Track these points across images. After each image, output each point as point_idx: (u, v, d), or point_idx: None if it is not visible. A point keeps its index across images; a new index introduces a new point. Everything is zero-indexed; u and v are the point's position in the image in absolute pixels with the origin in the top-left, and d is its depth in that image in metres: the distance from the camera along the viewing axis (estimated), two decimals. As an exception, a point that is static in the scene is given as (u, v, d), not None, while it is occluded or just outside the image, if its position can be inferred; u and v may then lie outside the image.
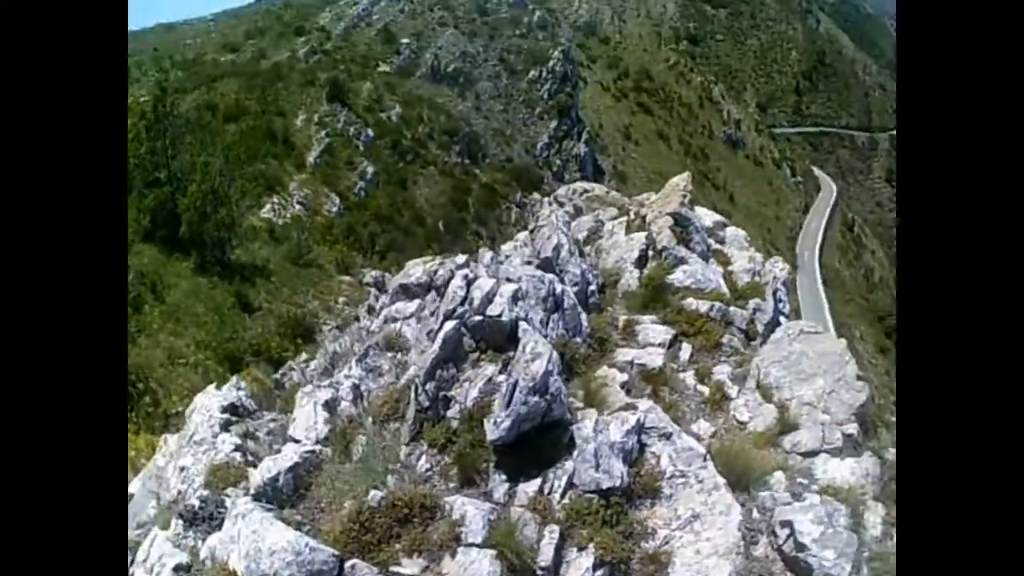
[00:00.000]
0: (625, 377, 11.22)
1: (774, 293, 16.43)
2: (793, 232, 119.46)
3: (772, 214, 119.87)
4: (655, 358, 12.07)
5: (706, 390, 11.79)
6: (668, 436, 9.37)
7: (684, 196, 16.06)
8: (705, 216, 17.81)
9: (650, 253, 15.44)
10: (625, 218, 16.94)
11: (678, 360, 12.68)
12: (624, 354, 12.14)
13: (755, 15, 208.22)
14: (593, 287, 13.82)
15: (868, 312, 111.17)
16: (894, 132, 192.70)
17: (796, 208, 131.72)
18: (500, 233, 55.24)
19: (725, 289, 14.92)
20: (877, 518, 9.14)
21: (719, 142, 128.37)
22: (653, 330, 13.08)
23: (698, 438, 10.06)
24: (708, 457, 9.25)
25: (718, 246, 17.02)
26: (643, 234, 15.61)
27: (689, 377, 12.02)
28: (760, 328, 14.93)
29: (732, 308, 14.32)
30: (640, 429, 9.22)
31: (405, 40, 77.17)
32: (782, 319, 17.00)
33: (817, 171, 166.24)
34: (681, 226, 15.69)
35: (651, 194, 17.83)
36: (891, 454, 10.50)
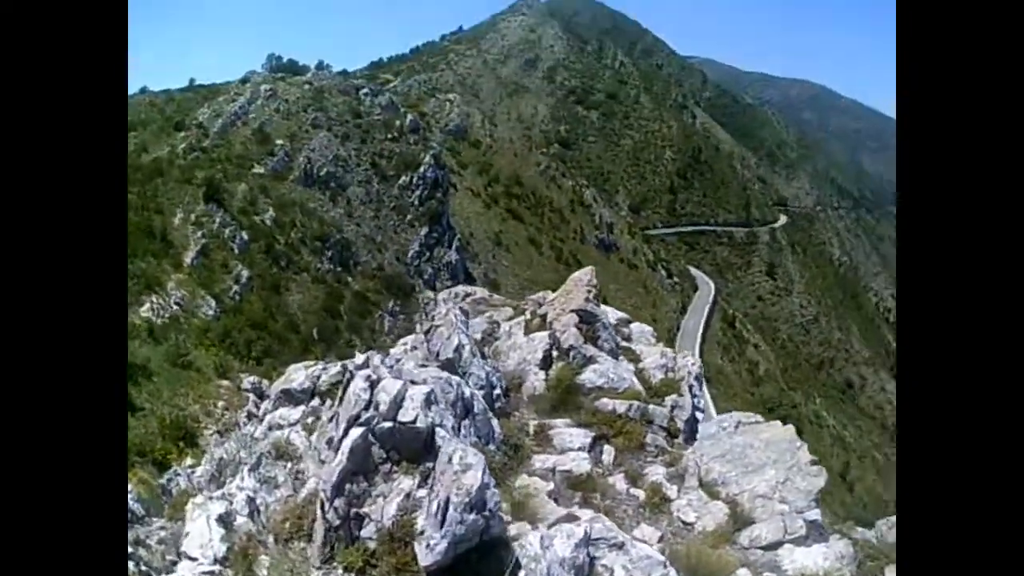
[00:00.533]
0: (550, 485, 10.40)
1: (689, 388, 15.92)
2: (671, 333, 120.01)
3: (648, 316, 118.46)
4: (580, 463, 11.27)
5: (641, 493, 11.06)
6: (620, 546, 8.51)
7: (589, 291, 15.45)
8: (609, 312, 17.28)
9: (555, 353, 14.70)
10: (522, 318, 16.27)
11: (602, 464, 11.94)
12: (542, 460, 11.30)
13: (628, 115, 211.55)
14: (498, 390, 12.98)
15: (755, 405, 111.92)
16: (775, 225, 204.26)
17: (673, 309, 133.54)
18: (374, 342, 54.39)
19: (639, 387, 14.31)
20: None
21: (591, 247, 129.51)
22: (569, 434, 12.30)
23: (645, 543, 9.33)
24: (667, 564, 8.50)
25: (625, 343, 16.46)
26: (545, 333, 14.93)
27: (619, 481, 11.28)
28: (680, 425, 14.32)
29: (650, 406, 13.70)
30: (587, 541, 8.33)
31: (279, 141, 76.31)
32: (699, 415, 16.54)
33: (694, 270, 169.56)
34: (587, 323, 15.04)
35: (547, 292, 17.35)
36: (859, 532, 10.49)
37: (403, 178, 79.38)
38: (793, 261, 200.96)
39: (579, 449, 11.89)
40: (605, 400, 13.31)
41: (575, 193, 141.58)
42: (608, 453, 12.16)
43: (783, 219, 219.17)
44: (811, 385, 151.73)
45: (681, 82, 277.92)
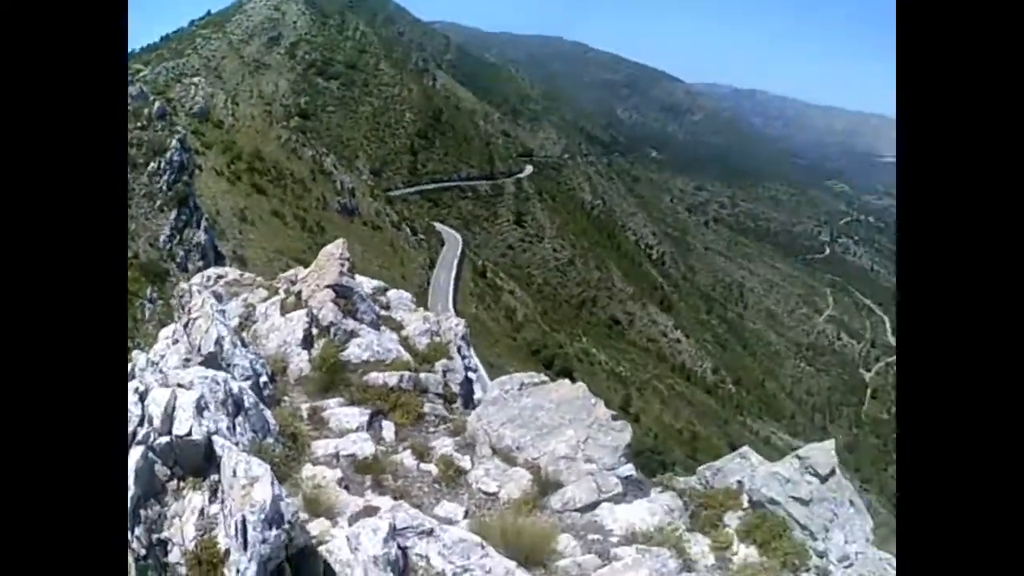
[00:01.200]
0: (338, 473, 9.96)
1: (458, 350, 15.87)
2: (422, 288, 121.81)
3: (398, 275, 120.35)
4: (362, 445, 10.86)
5: (433, 468, 10.79)
6: (429, 532, 8.27)
7: (343, 264, 14.99)
8: (364, 283, 16.85)
9: (315, 331, 14.19)
10: (278, 298, 15.57)
11: (385, 441, 11.61)
12: (323, 446, 10.82)
13: (368, 82, 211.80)
14: (264, 377, 12.36)
15: (519, 349, 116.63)
16: (520, 176, 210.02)
17: (421, 266, 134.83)
18: (137, 331, 51.73)
19: (407, 356, 14.08)
20: (703, 548, 8.98)
21: (334, 213, 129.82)
22: (344, 414, 11.89)
23: (451, 522, 9.15)
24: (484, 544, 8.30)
25: (385, 312, 16.10)
26: (303, 312, 14.43)
27: (407, 458, 10.96)
28: (456, 389, 14.36)
29: (422, 375, 13.56)
30: (394, 532, 7.99)
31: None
32: (471, 375, 16.47)
33: (439, 226, 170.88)
34: (344, 297, 14.60)
35: (299, 268, 16.68)
36: (683, 482, 10.40)
37: (152, 164, 75.81)
38: (542, 209, 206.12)
39: (358, 429, 11.54)
40: (375, 374, 13.00)
41: (315, 162, 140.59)
42: (388, 429, 11.88)
43: (529, 169, 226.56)
44: (575, 325, 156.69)
45: (423, 46, 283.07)
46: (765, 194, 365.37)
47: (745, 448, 10.67)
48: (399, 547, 7.93)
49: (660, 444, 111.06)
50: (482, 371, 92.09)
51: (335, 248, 15.36)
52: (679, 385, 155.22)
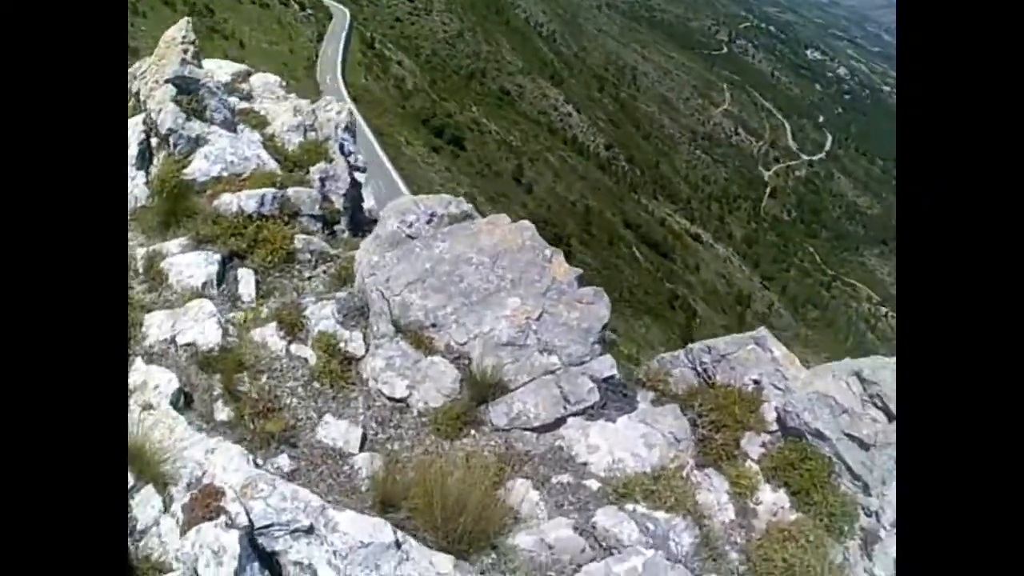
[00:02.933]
0: (174, 380, 6.77)
1: (340, 147, 12.24)
2: (311, 61, 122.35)
3: (286, 49, 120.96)
4: (204, 325, 7.51)
5: (310, 353, 7.58)
6: (309, 530, 5.29)
7: (185, 51, 10.96)
8: (219, 70, 12.93)
9: (153, 143, 10.58)
10: (116, 102, 11.30)
11: (241, 304, 8.41)
12: (159, 325, 7.59)
13: None
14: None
15: (408, 118, 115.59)
16: None
17: (309, 39, 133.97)
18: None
19: (272, 164, 10.63)
20: (720, 494, 6.65)
21: None
22: (188, 263, 8.59)
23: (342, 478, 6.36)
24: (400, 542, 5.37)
25: (246, 104, 12.33)
26: (139, 118, 10.80)
27: (271, 336, 7.70)
28: (339, 203, 11.24)
29: (291, 190, 10.11)
30: (251, 535, 5.10)
31: None
32: (359, 177, 12.86)
33: (326, 0, 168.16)
34: (187, 92, 10.68)
35: (143, 61, 12.47)
36: (668, 362, 8.10)
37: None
38: None
39: (205, 287, 8.37)
40: (227, 197, 9.52)
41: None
42: (246, 282, 8.65)
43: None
44: (464, 95, 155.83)
45: None
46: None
47: (763, 332, 7.76)
48: (260, 554, 5.05)
49: (554, 216, 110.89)
50: (382, 168, 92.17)
51: (177, 31, 11.28)
52: (571, 159, 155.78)
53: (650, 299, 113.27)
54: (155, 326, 7.47)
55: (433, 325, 7.43)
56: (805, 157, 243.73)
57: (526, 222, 8.22)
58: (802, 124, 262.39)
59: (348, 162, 12.48)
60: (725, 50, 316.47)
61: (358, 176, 13.51)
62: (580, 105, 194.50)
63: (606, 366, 7.19)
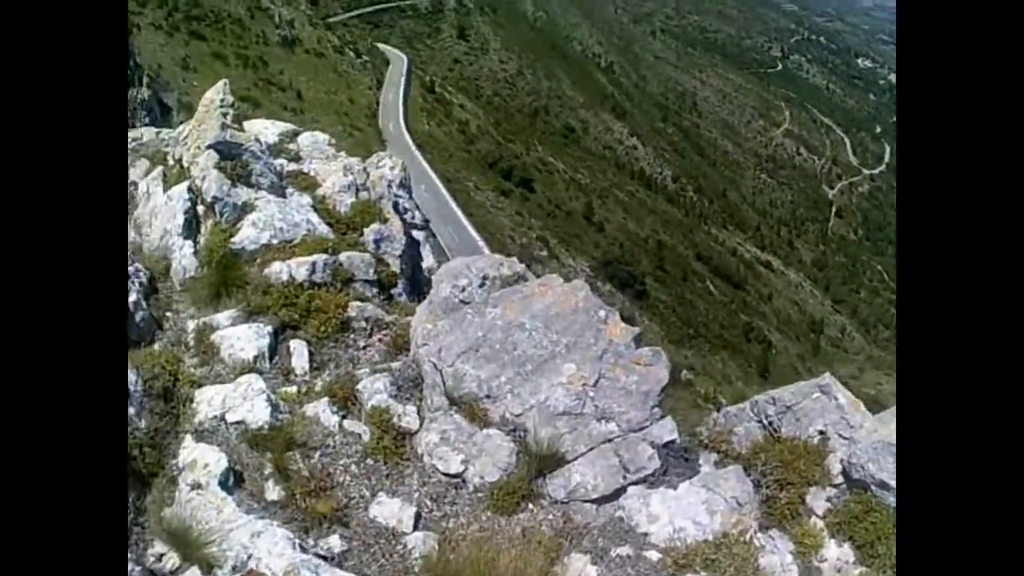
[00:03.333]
0: (222, 460, 6.67)
1: (395, 206, 11.98)
2: (371, 109, 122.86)
3: (345, 98, 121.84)
4: (254, 403, 7.31)
5: (363, 429, 7.38)
6: None
7: (224, 115, 10.75)
8: (265, 130, 12.79)
9: (200, 211, 10.37)
10: (162, 167, 11.42)
11: (294, 377, 8.24)
12: (208, 402, 7.43)
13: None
14: (137, 287, 8.83)
15: (475, 162, 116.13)
16: None
17: (368, 87, 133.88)
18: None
19: (323, 228, 10.42)
20: (784, 556, 6.35)
21: (275, 46, 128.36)
22: (239, 336, 8.43)
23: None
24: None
25: (294, 166, 12.05)
26: (184, 185, 10.53)
27: (324, 411, 7.52)
28: (395, 266, 10.90)
29: (344, 255, 9.96)
30: None
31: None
32: (418, 235, 12.69)
33: (382, 46, 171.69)
34: (230, 157, 10.49)
35: (185, 125, 12.28)
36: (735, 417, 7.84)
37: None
38: (484, 22, 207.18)
39: (257, 360, 8.20)
40: (277, 265, 9.38)
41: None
42: (300, 354, 8.46)
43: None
44: (529, 135, 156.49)
45: None
46: (711, 7, 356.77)
47: (827, 378, 7.48)
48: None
49: (627, 254, 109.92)
50: (452, 215, 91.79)
51: (214, 94, 11.09)
52: (640, 193, 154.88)
53: (726, 332, 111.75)
54: (205, 403, 7.34)
55: (488, 396, 7.19)
56: (866, 171, 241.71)
57: (579, 282, 7.96)
58: (861, 137, 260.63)
59: (404, 220, 12.33)
60: (780, 67, 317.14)
61: (416, 235, 13.34)
62: (644, 137, 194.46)
63: (666, 431, 6.90)
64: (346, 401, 7.58)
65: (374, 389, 7.66)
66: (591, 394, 6.99)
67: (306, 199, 10.87)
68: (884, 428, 6.56)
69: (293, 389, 7.92)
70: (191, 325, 8.69)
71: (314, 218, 10.46)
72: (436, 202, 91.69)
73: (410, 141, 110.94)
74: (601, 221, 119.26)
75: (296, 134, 13.07)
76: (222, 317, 8.74)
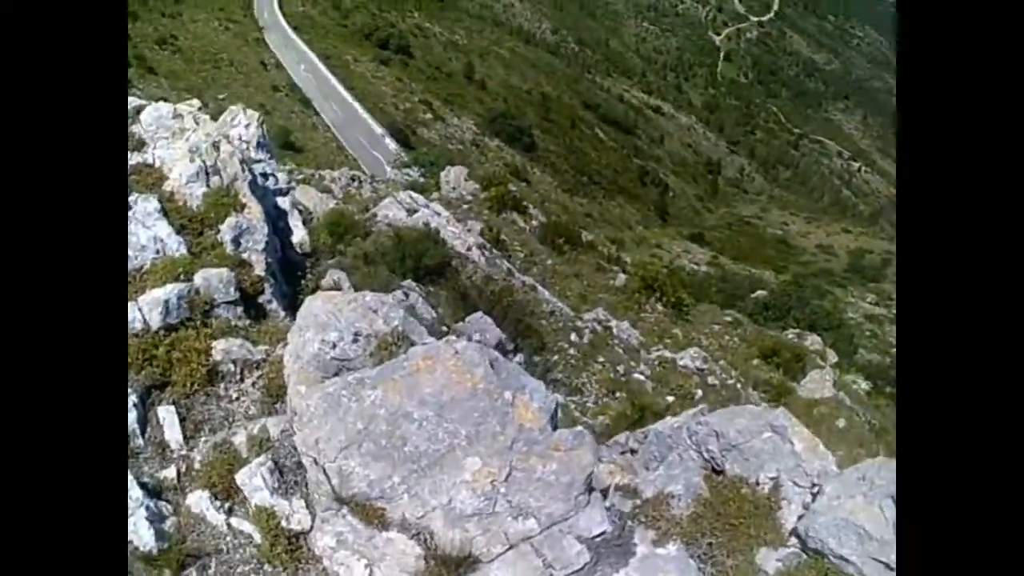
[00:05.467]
0: None
1: (252, 182, 10.58)
2: (247, 1, 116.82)
3: None
4: (137, 520, 6.42)
5: (252, 529, 6.52)
6: None
7: None
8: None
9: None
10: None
11: (168, 456, 7.30)
12: None
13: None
14: None
15: (352, 35, 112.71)
16: None
17: None
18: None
19: (173, 241, 8.92)
20: None
21: None
22: None
23: None
24: None
25: (138, 157, 10.21)
26: None
27: (209, 509, 6.69)
28: (261, 264, 9.62)
29: (200, 277, 8.60)
30: None
31: None
32: (281, 202, 11.30)
33: None
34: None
35: None
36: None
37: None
38: None
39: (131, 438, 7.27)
40: (130, 308, 7.88)
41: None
42: (170, 424, 7.39)
43: None
44: (403, 2, 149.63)
45: None
46: None
47: (780, 416, 6.84)
48: None
49: (512, 109, 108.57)
50: (334, 91, 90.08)
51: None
52: (520, 48, 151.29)
53: (620, 178, 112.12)
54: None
55: (381, 497, 6.09)
56: (754, 19, 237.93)
57: (472, 351, 6.62)
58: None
59: (266, 189, 10.88)
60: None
61: (281, 203, 11.90)
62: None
63: (595, 521, 5.94)
64: (228, 493, 6.68)
65: (254, 485, 6.60)
66: (502, 490, 5.96)
67: (152, 203, 9.22)
68: (847, 499, 5.84)
69: (171, 473, 7.06)
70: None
71: (162, 230, 8.97)
72: (317, 81, 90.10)
73: (286, 25, 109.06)
74: (483, 79, 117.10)
75: (139, 111, 11.14)
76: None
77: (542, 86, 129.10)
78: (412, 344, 6.95)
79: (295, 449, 6.64)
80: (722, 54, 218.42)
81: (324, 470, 6.27)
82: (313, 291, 10.90)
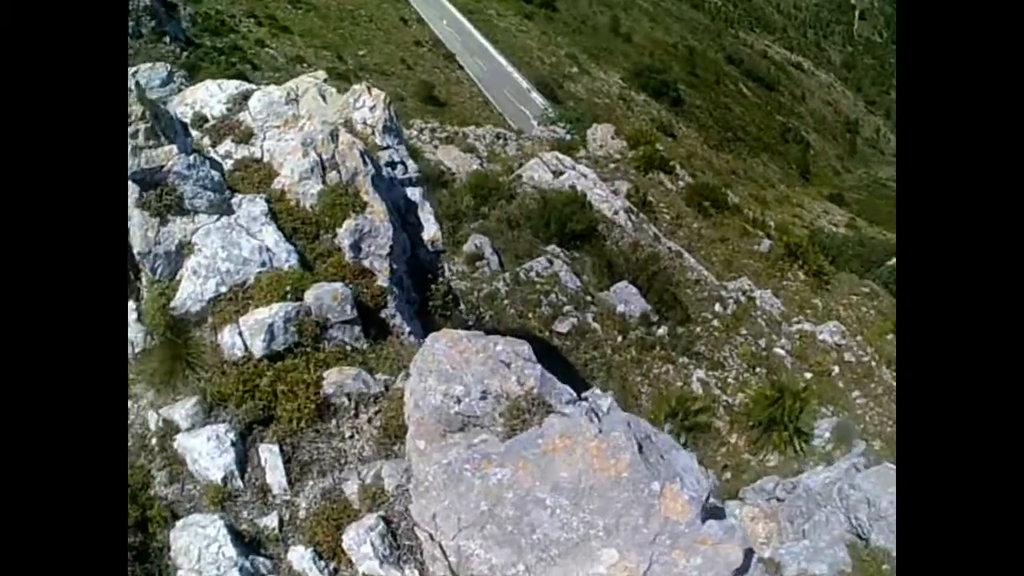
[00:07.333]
0: None
1: (375, 175, 9.44)
2: None
3: None
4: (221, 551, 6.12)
5: None
6: None
7: (134, 134, 7.46)
8: (210, 99, 10.14)
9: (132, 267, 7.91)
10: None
11: (269, 503, 6.68)
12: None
13: None
14: None
15: None
16: None
17: None
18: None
19: (282, 251, 8.08)
20: None
21: None
22: (200, 449, 6.79)
23: None
24: None
25: (244, 151, 9.44)
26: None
27: (311, 568, 6.13)
28: (384, 273, 8.62)
29: (311, 295, 7.66)
30: None
31: None
32: (414, 195, 10.24)
33: None
34: (152, 186, 7.72)
35: None
36: None
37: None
38: None
39: (226, 482, 6.70)
40: (228, 333, 7.39)
41: None
42: (273, 467, 6.71)
43: None
44: None
45: None
46: None
47: None
48: None
49: (657, 63, 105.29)
50: (480, 46, 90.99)
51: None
52: (665, 1, 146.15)
53: (763, 135, 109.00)
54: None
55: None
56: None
57: (619, 431, 5.47)
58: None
59: (392, 181, 9.80)
60: None
61: (411, 194, 10.72)
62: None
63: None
64: (334, 552, 5.98)
65: (363, 553, 5.80)
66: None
67: (259, 205, 8.43)
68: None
69: (273, 521, 6.42)
70: (152, 419, 7.01)
71: (270, 237, 8.15)
72: (461, 35, 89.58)
73: None
74: (628, 33, 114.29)
75: (246, 97, 10.25)
76: (180, 413, 7.00)
77: (687, 40, 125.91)
78: (549, 409, 5.90)
79: (408, 518, 5.69)
80: (857, 12, 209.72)
81: (441, 546, 5.37)
82: (445, 297, 9.91)
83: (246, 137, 9.61)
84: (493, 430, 5.79)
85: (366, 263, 8.52)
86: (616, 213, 26.74)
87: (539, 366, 6.01)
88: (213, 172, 8.36)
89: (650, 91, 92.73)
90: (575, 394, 5.98)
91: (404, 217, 10.15)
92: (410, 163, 10.85)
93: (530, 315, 20.12)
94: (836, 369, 22.36)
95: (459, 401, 5.90)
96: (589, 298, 21.41)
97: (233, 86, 10.52)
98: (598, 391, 6.37)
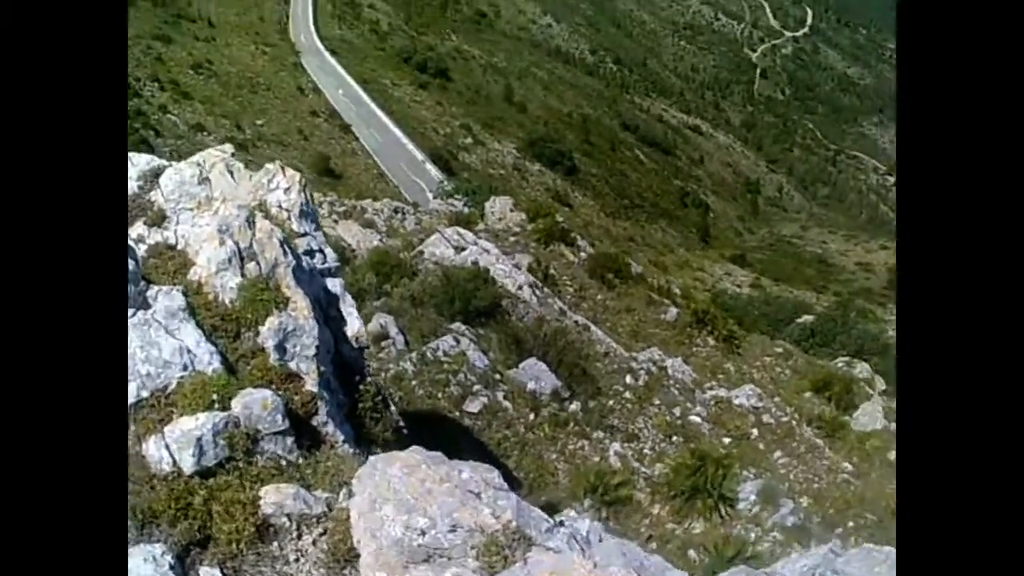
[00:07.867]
0: None
1: (296, 267, 8.78)
2: (283, 24, 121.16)
3: (255, 17, 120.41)
4: None
5: None
6: None
7: None
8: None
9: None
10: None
11: None
12: None
13: None
14: None
15: (389, 59, 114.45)
16: None
17: (277, 1, 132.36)
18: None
19: (204, 351, 7.48)
20: None
21: None
22: (138, 572, 6.05)
23: None
24: None
25: (158, 236, 8.77)
26: None
27: None
28: (313, 377, 8.05)
29: (239, 405, 7.08)
30: None
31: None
32: (334, 287, 9.87)
33: None
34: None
35: None
36: None
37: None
38: None
39: None
40: (153, 445, 6.75)
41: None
42: None
43: None
44: (441, 25, 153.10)
45: None
46: None
47: None
48: None
49: (552, 131, 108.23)
50: (373, 116, 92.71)
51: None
52: (558, 69, 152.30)
53: (661, 200, 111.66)
54: None
55: None
56: (788, 34, 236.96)
57: (618, 566, 5.07)
58: (780, 1, 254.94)
59: (312, 272, 9.37)
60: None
61: (331, 285, 10.28)
62: (558, 14, 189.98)
63: None
64: None
65: None
66: None
67: (177, 299, 7.70)
68: None
69: None
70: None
71: (190, 337, 7.48)
72: (356, 105, 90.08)
73: (323, 48, 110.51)
74: (523, 102, 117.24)
75: (157, 174, 9.46)
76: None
77: (582, 108, 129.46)
78: (530, 543, 5.44)
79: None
80: (758, 71, 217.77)
81: None
82: (375, 399, 9.37)
83: (159, 220, 8.93)
84: (464, 563, 5.27)
85: (292, 365, 7.91)
86: (520, 288, 26.65)
87: (513, 495, 5.58)
88: (129, 260, 7.56)
89: (545, 160, 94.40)
90: (551, 520, 5.62)
91: (326, 311, 9.58)
92: (328, 251, 10.35)
93: (439, 395, 19.63)
94: (755, 432, 22.41)
95: (423, 534, 5.38)
96: (498, 376, 21.09)
97: (144, 161, 9.73)
98: (573, 514, 6.01)
